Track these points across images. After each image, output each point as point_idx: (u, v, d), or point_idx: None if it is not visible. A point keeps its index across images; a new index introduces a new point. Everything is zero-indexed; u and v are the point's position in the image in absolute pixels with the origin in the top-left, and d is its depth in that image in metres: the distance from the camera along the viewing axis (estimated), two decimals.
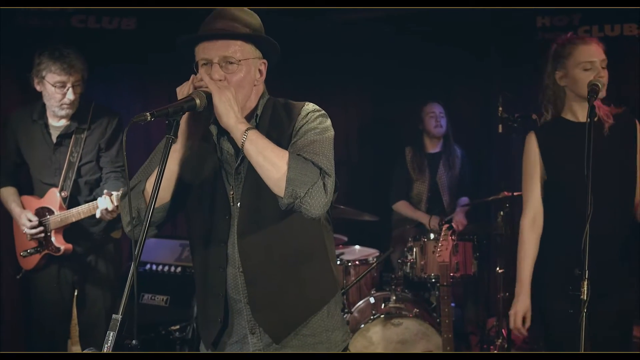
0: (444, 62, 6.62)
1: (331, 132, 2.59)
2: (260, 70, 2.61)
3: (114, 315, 2.11)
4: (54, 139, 4.37)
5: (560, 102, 3.64)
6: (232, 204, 2.60)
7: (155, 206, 2.46)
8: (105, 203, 4.05)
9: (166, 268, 5.54)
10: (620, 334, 3.56)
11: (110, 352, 2.08)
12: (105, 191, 4.09)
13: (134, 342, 2.22)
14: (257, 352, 2.66)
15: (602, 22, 5.89)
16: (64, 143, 4.37)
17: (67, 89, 4.20)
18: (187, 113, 2.42)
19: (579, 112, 3.59)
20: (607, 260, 3.41)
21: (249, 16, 2.57)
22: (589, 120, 3.10)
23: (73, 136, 4.36)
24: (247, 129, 2.40)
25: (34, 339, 4.62)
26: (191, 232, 2.71)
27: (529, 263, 3.66)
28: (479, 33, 6.48)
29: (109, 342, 2.08)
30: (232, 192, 2.60)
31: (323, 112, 2.63)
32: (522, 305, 3.64)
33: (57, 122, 4.37)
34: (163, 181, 2.37)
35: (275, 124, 2.61)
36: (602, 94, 3.43)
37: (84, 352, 2.19)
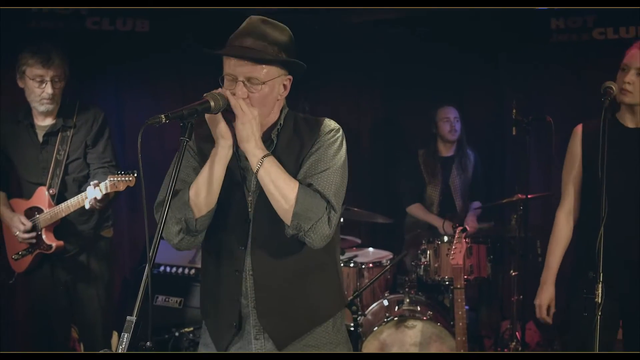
0: (457, 63, 6.60)
1: (345, 154, 2.65)
2: (284, 85, 2.63)
3: (128, 317, 2.11)
4: (40, 138, 4.36)
5: (616, 103, 3.58)
6: (250, 209, 2.63)
7: (204, 213, 2.56)
8: (94, 192, 4.04)
9: (180, 270, 5.56)
10: None
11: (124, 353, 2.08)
12: (93, 182, 4.08)
13: (148, 344, 2.22)
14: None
15: (617, 24, 5.86)
16: (50, 142, 4.36)
17: (46, 83, 4.21)
18: (221, 116, 2.49)
19: (626, 116, 3.56)
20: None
21: (278, 32, 2.57)
22: (602, 122, 3.09)
23: (59, 134, 4.35)
24: (264, 157, 2.48)
25: (37, 341, 4.61)
26: (209, 236, 2.69)
27: (559, 253, 3.70)
28: (492, 35, 6.46)
29: (124, 343, 2.09)
30: (250, 198, 2.63)
31: (341, 131, 2.68)
32: (546, 294, 3.68)
33: (42, 122, 4.37)
34: (213, 187, 2.52)
35: (296, 138, 2.64)
36: (630, 99, 3.44)
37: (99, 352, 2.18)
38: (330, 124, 2.67)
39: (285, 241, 2.58)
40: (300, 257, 2.63)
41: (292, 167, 2.59)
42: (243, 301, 2.65)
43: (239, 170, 2.63)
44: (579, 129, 3.66)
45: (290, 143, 2.63)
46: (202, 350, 2.84)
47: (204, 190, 2.53)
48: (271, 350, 2.66)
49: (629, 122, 3.55)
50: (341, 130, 2.67)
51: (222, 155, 2.53)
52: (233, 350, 2.70)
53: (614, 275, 3.10)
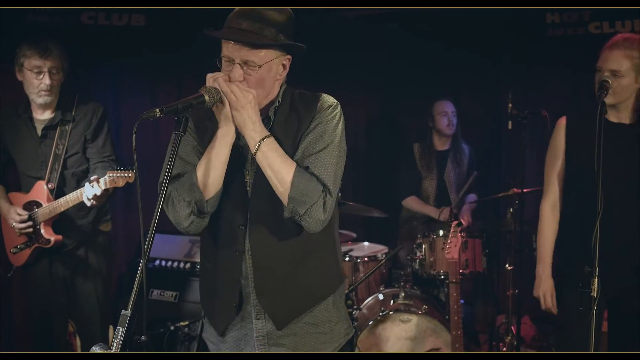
0: (453, 59, 6.60)
1: (342, 130, 2.65)
2: (283, 65, 2.63)
3: (123, 311, 2.11)
4: (39, 132, 4.35)
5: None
6: (248, 188, 2.64)
7: (213, 194, 2.57)
8: (92, 190, 4.02)
9: (175, 264, 5.55)
10: None
11: (119, 348, 2.08)
12: (92, 177, 4.05)
13: (143, 338, 2.22)
14: (260, 336, 2.70)
15: (612, 19, 5.85)
16: (49, 135, 4.34)
17: (43, 74, 4.19)
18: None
19: (609, 113, 3.59)
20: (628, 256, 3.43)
21: (277, 13, 2.56)
22: (599, 116, 3.09)
23: (58, 128, 4.34)
24: (261, 140, 2.49)
25: (34, 335, 4.60)
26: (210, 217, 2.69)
27: (549, 245, 3.74)
28: (487, 30, 6.45)
29: (119, 338, 2.09)
30: (248, 178, 2.64)
31: (339, 106, 2.68)
32: (546, 285, 3.72)
33: (41, 115, 4.36)
34: (221, 168, 2.53)
35: (293, 114, 2.65)
36: (609, 100, 3.46)
37: (92, 349, 2.18)
38: (328, 99, 2.67)
39: (283, 220, 2.59)
40: (299, 237, 2.65)
41: (290, 144, 2.60)
42: (243, 282, 2.67)
43: (237, 149, 2.62)
44: (562, 121, 3.71)
45: (287, 120, 2.64)
46: (206, 328, 2.87)
47: (212, 171, 2.54)
48: (272, 329, 2.68)
49: (612, 117, 3.59)
50: (339, 106, 2.67)
51: (227, 136, 2.54)
52: (234, 330, 2.72)
53: (600, 268, 3.14)
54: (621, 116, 3.57)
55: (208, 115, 2.59)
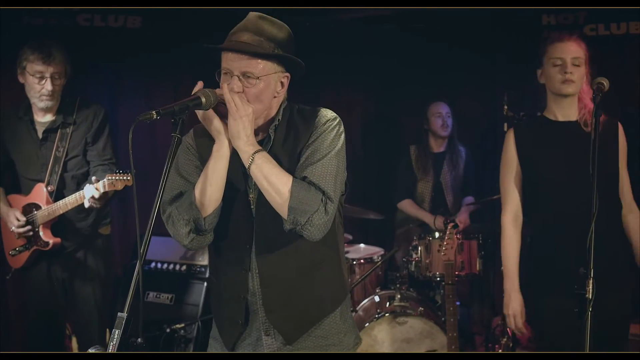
0: (449, 60, 6.60)
1: (341, 142, 2.63)
2: (282, 83, 2.62)
3: (119, 314, 2.11)
4: (40, 135, 4.35)
5: (543, 100, 3.68)
6: (252, 206, 2.63)
7: (211, 211, 2.55)
8: (91, 191, 4.02)
9: (171, 266, 5.54)
10: (618, 333, 3.57)
11: (115, 350, 2.08)
12: (93, 178, 4.05)
13: (139, 340, 2.22)
14: (271, 352, 2.69)
15: (608, 21, 5.87)
16: (50, 138, 4.34)
17: (45, 80, 4.19)
18: (214, 112, 2.50)
19: (556, 110, 3.63)
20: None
21: (276, 29, 2.57)
22: (594, 119, 3.09)
23: (59, 131, 4.33)
24: (255, 153, 2.48)
25: (31, 337, 4.60)
26: (215, 235, 2.68)
27: (514, 259, 3.72)
28: (484, 31, 6.46)
29: (115, 340, 2.09)
30: (251, 196, 2.63)
31: (339, 119, 2.66)
32: (516, 302, 3.67)
33: (42, 118, 4.35)
34: (218, 184, 2.51)
35: (292, 131, 2.64)
36: (574, 89, 3.51)
37: (89, 350, 2.18)
38: (326, 114, 2.65)
39: (288, 237, 2.58)
40: (304, 252, 2.64)
41: (290, 161, 2.58)
42: (250, 299, 2.66)
43: (240, 169, 2.60)
44: (510, 133, 3.73)
45: (287, 137, 2.63)
46: (211, 343, 2.86)
47: (209, 188, 2.53)
48: (281, 345, 2.68)
49: (560, 116, 3.62)
50: (338, 119, 2.65)
51: (223, 151, 2.53)
52: (244, 346, 2.72)
53: (561, 267, 3.19)
54: (569, 113, 3.59)
55: (208, 133, 2.58)
